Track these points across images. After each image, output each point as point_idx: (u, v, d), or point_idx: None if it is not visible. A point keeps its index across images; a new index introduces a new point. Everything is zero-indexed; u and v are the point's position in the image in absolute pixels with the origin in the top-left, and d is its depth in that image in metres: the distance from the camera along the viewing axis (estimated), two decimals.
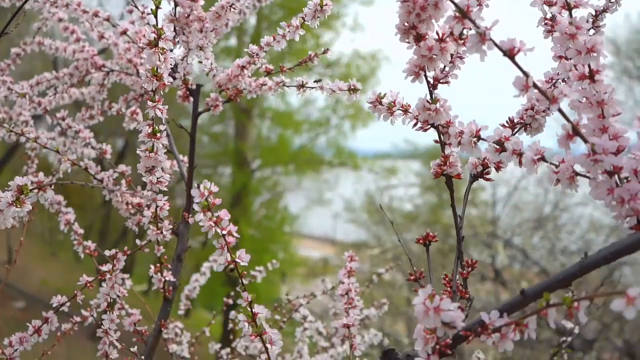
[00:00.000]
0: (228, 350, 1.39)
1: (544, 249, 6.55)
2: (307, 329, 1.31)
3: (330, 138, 11.64)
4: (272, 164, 11.53)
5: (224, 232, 0.63)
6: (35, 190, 0.66)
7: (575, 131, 0.51)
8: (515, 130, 0.69)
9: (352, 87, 0.84)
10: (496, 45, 0.50)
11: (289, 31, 0.89)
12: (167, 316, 1.00)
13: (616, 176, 0.53)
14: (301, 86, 0.95)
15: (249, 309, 0.65)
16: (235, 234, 0.63)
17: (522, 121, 0.69)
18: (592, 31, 0.73)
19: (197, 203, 0.61)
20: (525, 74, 0.50)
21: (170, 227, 0.91)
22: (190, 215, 0.95)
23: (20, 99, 1.09)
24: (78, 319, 1.11)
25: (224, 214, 0.63)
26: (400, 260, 7.39)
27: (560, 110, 0.51)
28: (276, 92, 0.97)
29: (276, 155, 11.25)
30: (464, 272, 0.63)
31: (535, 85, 0.50)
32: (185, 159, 1.13)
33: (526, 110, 0.69)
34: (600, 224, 6.80)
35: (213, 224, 0.62)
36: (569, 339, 1.07)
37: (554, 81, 0.70)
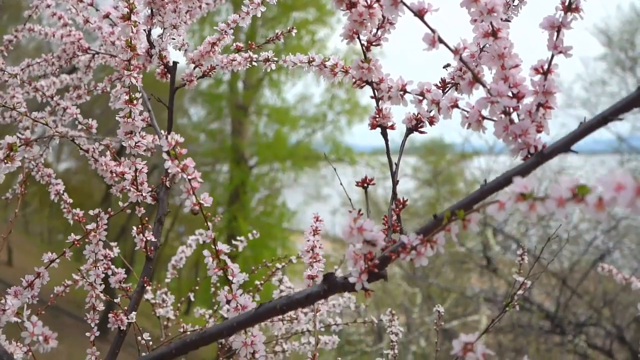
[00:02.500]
0: (210, 311, 1.49)
1: (536, 236, 6.66)
2: (283, 291, 1.41)
3: (327, 134, 11.74)
4: (270, 160, 11.63)
5: (190, 177, 0.72)
6: (23, 147, 0.75)
7: (475, 78, 0.61)
8: (447, 88, 0.78)
9: (310, 59, 0.93)
10: (407, 6, 0.59)
11: (251, 8, 0.98)
12: (149, 274, 1.10)
13: (515, 116, 0.62)
14: (267, 60, 1.05)
15: (213, 246, 0.74)
16: (200, 179, 0.72)
17: (452, 81, 0.78)
18: (516, 1, 0.83)
19: (165, 152, 0.71)
20: (433, 30, 0.60)
21: (150, 189, 1.00)
22: (168, 179, 1.04)
23: (12, 80, 1.18)
24: (69, 282, 1.20)
25: (190, 162, 0.72)
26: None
27: (462, 61, 0.60)
28: (245, 67, 1.07)
29: (273, 152, 11.35)
30: (397, 209, 0.73)
31: (440, 40, 0.59)
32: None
33: (456, 71, 0.78)
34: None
35: (180, 170, 0.71)
36: (520, 292, 1.17)
37: (481, 45, 0.79)
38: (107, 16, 1.13)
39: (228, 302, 0.73)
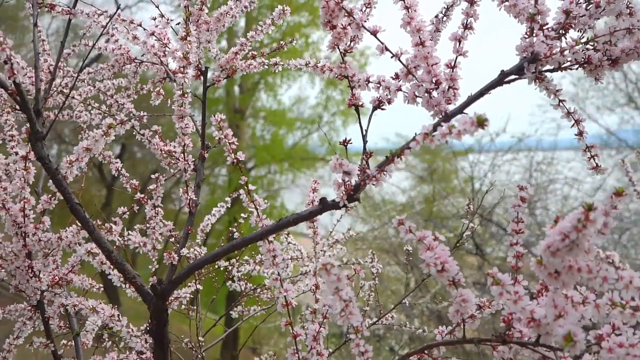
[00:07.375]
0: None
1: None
2: (290, 243, 1.78)
3: (323, 135, 12.12)
4: (267, 162, 12.00)
5: (230, 141, 1.10)
6: (119, 125, 1.13)
7: (408, 72, 0.99)
8: (398, 79, 1.17)
9: (307, 62, 1.32)
10: (366, 29, 0.98)
11: (264, 27, 1.37)
12: (192, 224, 1.48)
13: (435, 93, 1.01)
14: (275, 64, 1.43)
15: (246, 187, 1.13)
16: (236, 143, 1.10)
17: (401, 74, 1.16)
18: (445, 18, 1.21)
19: (213, 125, 1.09)
20: (382, 42, 0.98)
21: (194, 159, 1.38)
22: (205, 152, 1.42)
23: (80, 83, 1.56)
24: (138, 226, 1.58)
25: (229, 131, 1.11)
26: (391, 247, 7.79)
27: (400, 61, 0.99)
28: (259, 70, 1.45)
29: (271, 154, 11.72)
30: (366, 157, 1.11)
31: (386, 48, 0.98)
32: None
33: (402, 68, 1.16)
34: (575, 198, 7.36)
35: (223, 137, 1.10)
36: (468, 233, 1.54)
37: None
38: (152, 34, 1.52)
39: (257, 222, 1.12)
